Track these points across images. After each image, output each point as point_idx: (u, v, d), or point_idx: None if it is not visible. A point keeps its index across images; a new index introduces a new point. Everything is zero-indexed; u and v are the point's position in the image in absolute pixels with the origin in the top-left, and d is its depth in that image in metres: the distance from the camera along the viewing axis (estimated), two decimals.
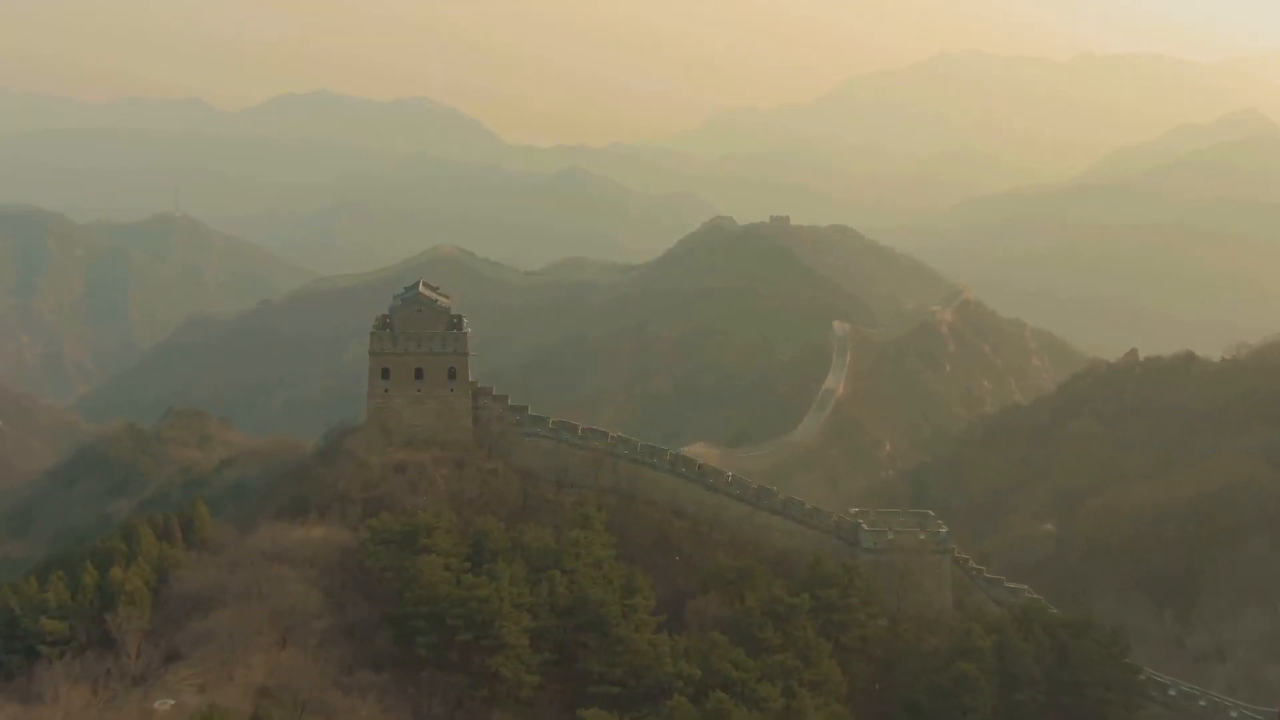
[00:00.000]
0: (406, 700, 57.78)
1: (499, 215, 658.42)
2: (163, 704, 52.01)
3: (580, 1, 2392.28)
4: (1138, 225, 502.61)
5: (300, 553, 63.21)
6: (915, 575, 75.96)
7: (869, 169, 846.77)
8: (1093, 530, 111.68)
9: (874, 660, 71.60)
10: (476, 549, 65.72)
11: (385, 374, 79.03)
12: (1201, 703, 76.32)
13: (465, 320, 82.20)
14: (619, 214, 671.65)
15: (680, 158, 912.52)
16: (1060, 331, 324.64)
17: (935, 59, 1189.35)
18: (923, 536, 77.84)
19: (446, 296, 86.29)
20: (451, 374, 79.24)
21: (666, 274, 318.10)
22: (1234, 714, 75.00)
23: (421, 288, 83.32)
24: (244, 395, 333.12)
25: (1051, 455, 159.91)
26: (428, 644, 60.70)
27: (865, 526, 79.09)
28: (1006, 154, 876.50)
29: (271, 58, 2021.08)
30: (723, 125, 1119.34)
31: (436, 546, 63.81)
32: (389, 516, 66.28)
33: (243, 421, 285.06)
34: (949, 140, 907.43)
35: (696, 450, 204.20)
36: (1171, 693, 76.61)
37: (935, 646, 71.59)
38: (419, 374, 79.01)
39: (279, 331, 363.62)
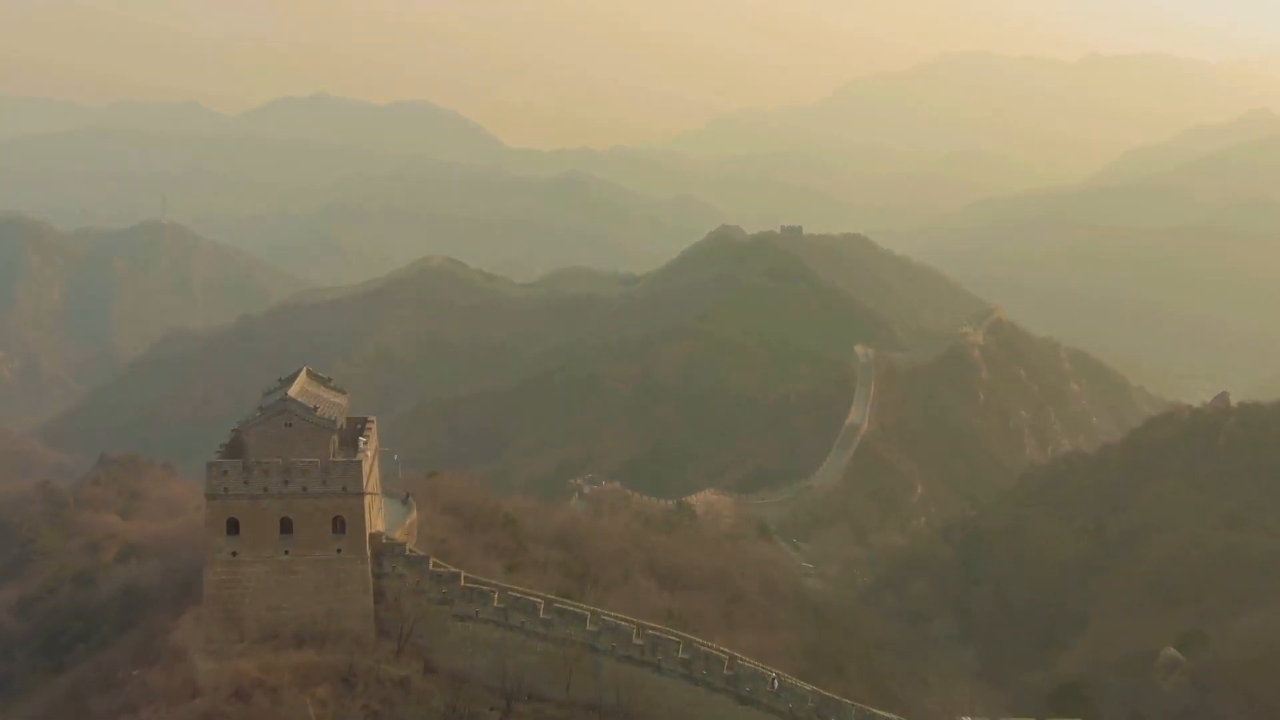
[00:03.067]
0: None
1: (500, 219, 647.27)
2: None
3: (581, 4, 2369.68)
4: (1159, 228, 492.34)
5: None
6: None
7: (873, 170, 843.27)
8: (1241, 668, 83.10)
9: None
10: None
11: (232, 528, 49.88)
12: None
13: (368, 432, 53.44)
14: (621, 217, 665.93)
15: (682, 160, 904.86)
16: (1087, 341, 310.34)
17: (938, 60, 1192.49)
18: None
19: (341, 392, 57.57)
20: (339, 526, 50.35)
21: (671, 287, 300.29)
22: None
23: (299, 385, 53.27)
24: (222, 415, 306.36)
25: (1136, 528, 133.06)
26: None
27: None
28: (1015, 155, 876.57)
29: (270, 60, 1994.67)
30: (725, 127, 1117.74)
31: None
32: None
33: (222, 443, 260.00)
34: (955, 141, 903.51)
35: (706, 499, 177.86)
36: None
37: None
38: (286, 527, 50.23)
39: (260, 348, 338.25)
